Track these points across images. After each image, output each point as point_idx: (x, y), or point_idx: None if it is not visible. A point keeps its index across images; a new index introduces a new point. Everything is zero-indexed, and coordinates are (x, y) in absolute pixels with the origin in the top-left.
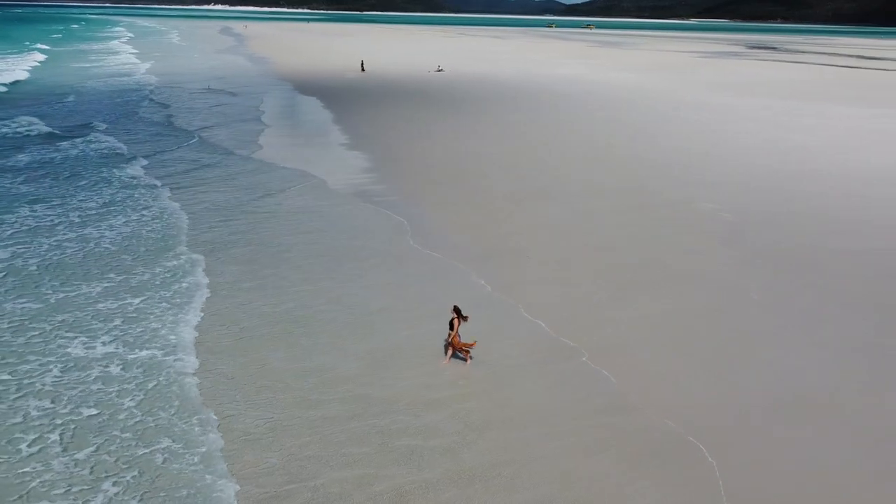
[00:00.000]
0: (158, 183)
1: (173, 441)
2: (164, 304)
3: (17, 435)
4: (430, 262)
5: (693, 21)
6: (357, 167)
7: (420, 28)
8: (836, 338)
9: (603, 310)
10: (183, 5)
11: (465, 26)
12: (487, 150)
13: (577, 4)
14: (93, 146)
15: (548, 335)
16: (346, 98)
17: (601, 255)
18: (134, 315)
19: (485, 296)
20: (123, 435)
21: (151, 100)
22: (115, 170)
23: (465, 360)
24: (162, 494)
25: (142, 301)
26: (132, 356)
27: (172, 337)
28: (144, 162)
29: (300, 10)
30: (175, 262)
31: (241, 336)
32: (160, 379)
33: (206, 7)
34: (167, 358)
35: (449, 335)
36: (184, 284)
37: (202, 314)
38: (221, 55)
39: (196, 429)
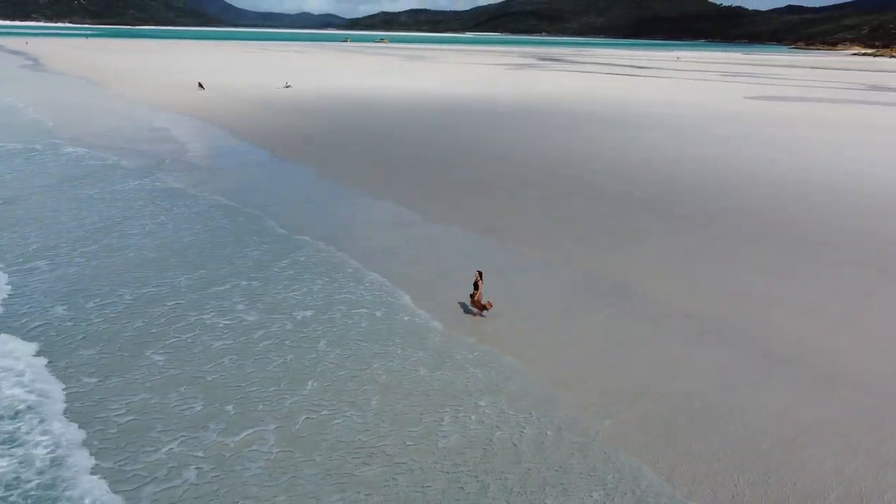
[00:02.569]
0: (197, 192)
1: (401, 349)
2: (282, 279)
3: (272, 370)
4: (447, 235)
5: (470, 35)
6: (308, 170)
7: (217, 44)
8: (749, 261)
9: (605, 260)
10: None
11: (258, 41)
12: (412, 153)
13: (358, 18)
14: (90, 162)
15: (585, 276)
16: (230, 116)
17: (563, 228)
18: (259, 288)
19: (514, 259)
20: (355, 359)
21: (56, 124)
22: (145, 180)
23: (481, 314)
24: (422, 389)
25: (260, 278)
26: (299, 315)
27: (322, 296)
28: (163, 175)
29: (61, 25)
30: (264, 249)
31: (382, 293)
32: (363, 312)
33: None
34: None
35: (473, 294)
36: (283, 262)
37: (326, 279)
38: (41, 76)
39: (413, 337)
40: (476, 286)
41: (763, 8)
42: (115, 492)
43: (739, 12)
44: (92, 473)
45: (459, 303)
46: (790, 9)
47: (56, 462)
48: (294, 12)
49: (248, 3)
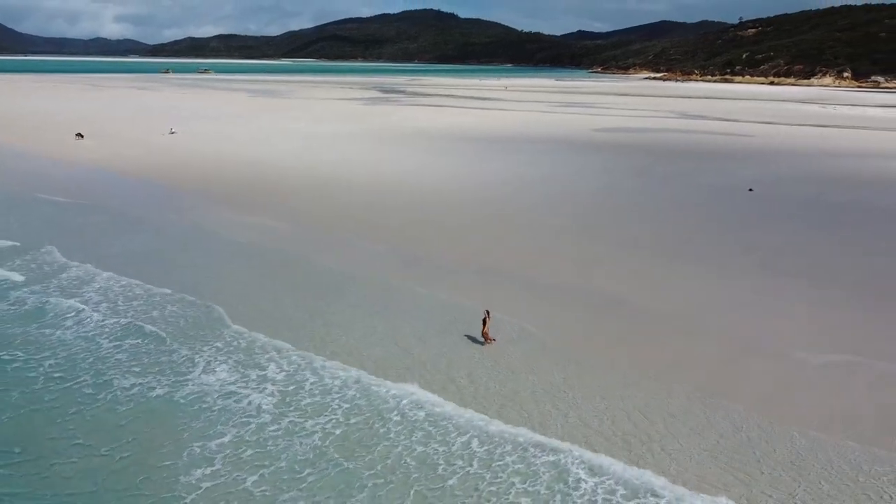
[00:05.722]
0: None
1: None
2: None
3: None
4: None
5: (288, 62)
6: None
7: (12, 77)
8: (635, 237)
9: (590, 270)
10: None
11: (63, 74)
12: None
13: (163, 44)
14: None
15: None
16: (140, 165)
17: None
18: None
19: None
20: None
21: None
22: (164, 235)
23: (489, 343)
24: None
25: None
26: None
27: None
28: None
29: None
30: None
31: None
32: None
33: None
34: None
35: (482, 329)
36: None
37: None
38: None
39: (489, 360)
40: (484, 322)
41: (557, 33)
42: None
43: (539, 38)
44: None
45: (466, 335)
46: (580, 34)
47: None
48: (87, 37)
49: (33, 28)
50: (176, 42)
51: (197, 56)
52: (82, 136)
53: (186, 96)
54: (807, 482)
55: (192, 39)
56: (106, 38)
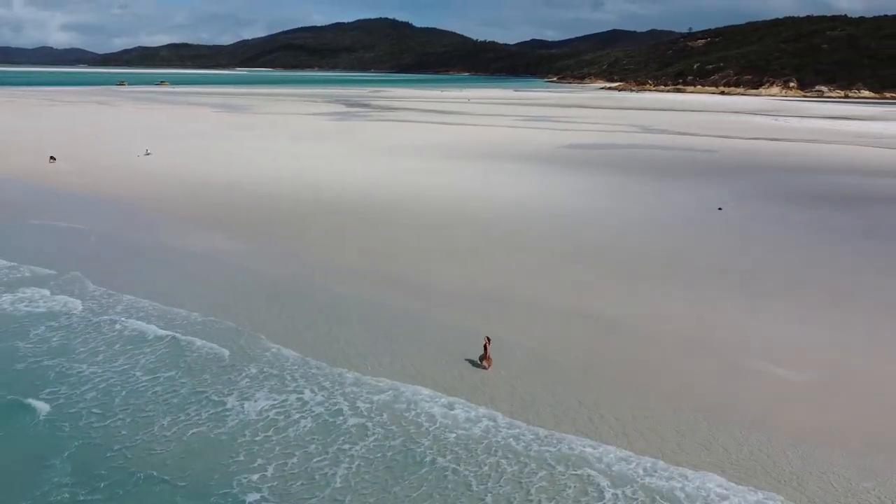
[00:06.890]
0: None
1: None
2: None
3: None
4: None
5: (244, 71)
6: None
7: None
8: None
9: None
10: None
11: (20, 87)
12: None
13: (113, 53)
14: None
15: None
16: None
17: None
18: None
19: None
20: None
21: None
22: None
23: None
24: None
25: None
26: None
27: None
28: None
29: None
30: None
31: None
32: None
33: None
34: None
35: (482, 354)
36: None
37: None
38: None
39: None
40: (485, 348)
41: (511, 42)
42: None
43: (494, 47)
44: None
45: (467, 359)
46: (534, 42)
47: None
48: (32, 47)
49: None
50: (126, 51)
51: (148, 66)
52: (55, 160)
53: (148, 112)
54: (806, 497)
55: (142, 48)
56: (52, 48)
